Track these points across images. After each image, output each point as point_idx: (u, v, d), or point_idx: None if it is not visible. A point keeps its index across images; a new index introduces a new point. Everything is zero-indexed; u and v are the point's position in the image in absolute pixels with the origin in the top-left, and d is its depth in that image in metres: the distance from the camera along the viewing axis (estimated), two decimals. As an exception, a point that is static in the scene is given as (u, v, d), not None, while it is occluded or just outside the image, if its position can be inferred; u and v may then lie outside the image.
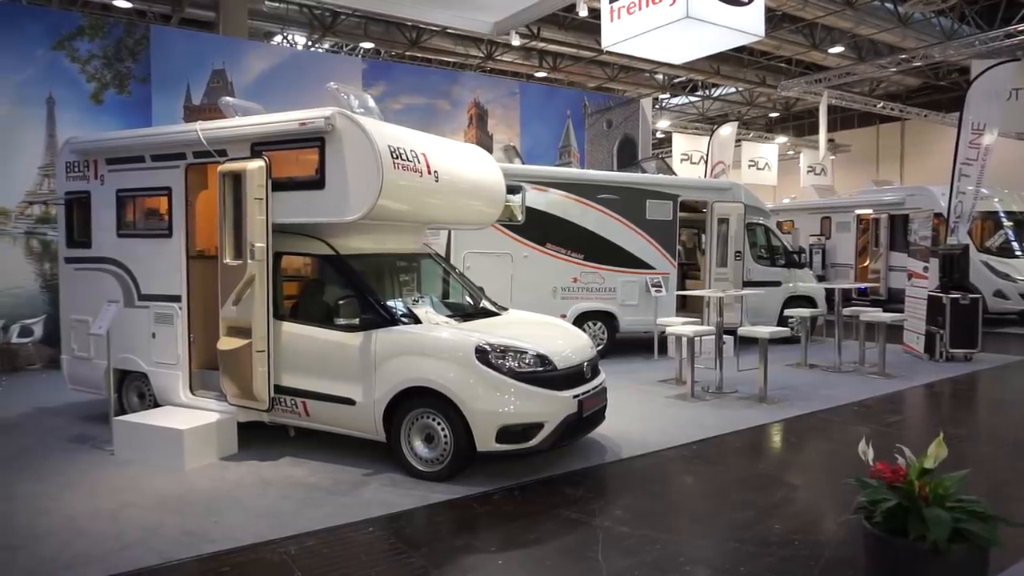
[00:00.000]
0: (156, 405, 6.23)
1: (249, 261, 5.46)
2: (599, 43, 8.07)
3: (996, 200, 14.98)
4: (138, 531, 4.24)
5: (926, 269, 10.51)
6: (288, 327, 5.64)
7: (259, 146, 5.58)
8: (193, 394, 6.10)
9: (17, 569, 3.80)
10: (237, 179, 5.53)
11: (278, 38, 19.07)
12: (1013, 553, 3.81)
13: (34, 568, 3.80)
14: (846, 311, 10.19)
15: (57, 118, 10.12)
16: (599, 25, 7.82)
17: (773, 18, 17.22)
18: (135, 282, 6.35)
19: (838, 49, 20.13)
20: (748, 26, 7.20)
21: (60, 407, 7.40)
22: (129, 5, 15.47)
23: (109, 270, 6.50)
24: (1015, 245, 14.84)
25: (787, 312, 10.86)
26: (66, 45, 10.26)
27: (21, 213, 9.95)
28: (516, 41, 15.97)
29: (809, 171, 26.08)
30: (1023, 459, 5.78)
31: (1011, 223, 15.08)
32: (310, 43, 19.43)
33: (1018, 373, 9.76)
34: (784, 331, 8.14)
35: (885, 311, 10.33)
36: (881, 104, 24.39)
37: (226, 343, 5.59)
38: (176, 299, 6.07)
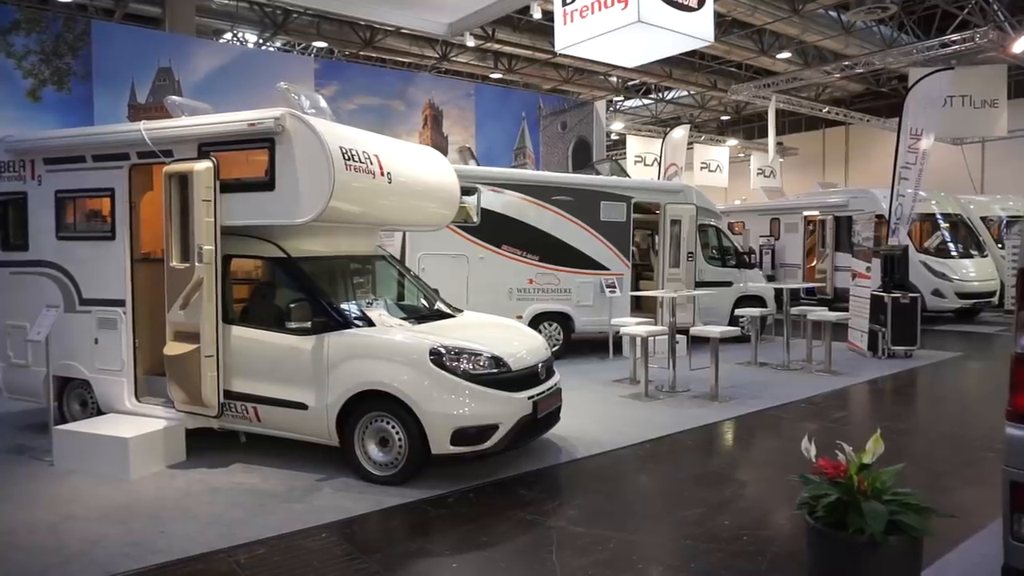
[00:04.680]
0: (100, 413, 6.03)
1: (197, 264, 5.34)
2: (554, 45, 8.13)
3: (933, 202, 15.58)
4: (79, 544, 4.11)
5: (869, 269, 10.87)
6: (238, 331, 5.53)
7: (207, 147, 5.46)
8: (139, 401, 5.93)
9: (-51, 587, 3.65)
10: (184, 180, 5.40)
11: (228, 36, 18.65)
12: (946, 543, 3.98)
13: (-33, 585, 3.66)
14: (794, 310, 10.47)
15: (-8, 116, 9.74)
16: (553, 27, 7.87)
17: (723, 23, 17.60)
18: (76, 286, 6.14)
19: (786, 55, 20.70)
20: (698, 31, 7.33)
21: (-4, 416, 7.11)
22: (69, -1, 14.96)
23: (48, 274, 6.28)
24: (951, 246, 15.46)
25: (738, 312, 11.10)
26: (0, 40, 9.86)
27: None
28: (470, 42, 15.96)
29: (759, 173, 26.74)
30: (958, 451, 6.03)
31: (947, 224, 15.71)
32: (261, 42, 19.07)
33: (954, 369, 10.17)
34: (735, 330, 8.33)
35: (831, 310, 10.65)
36: (827, 109, 25.15)
37: (173, 348, 5.45)
38: (120, 303, 5.90)
